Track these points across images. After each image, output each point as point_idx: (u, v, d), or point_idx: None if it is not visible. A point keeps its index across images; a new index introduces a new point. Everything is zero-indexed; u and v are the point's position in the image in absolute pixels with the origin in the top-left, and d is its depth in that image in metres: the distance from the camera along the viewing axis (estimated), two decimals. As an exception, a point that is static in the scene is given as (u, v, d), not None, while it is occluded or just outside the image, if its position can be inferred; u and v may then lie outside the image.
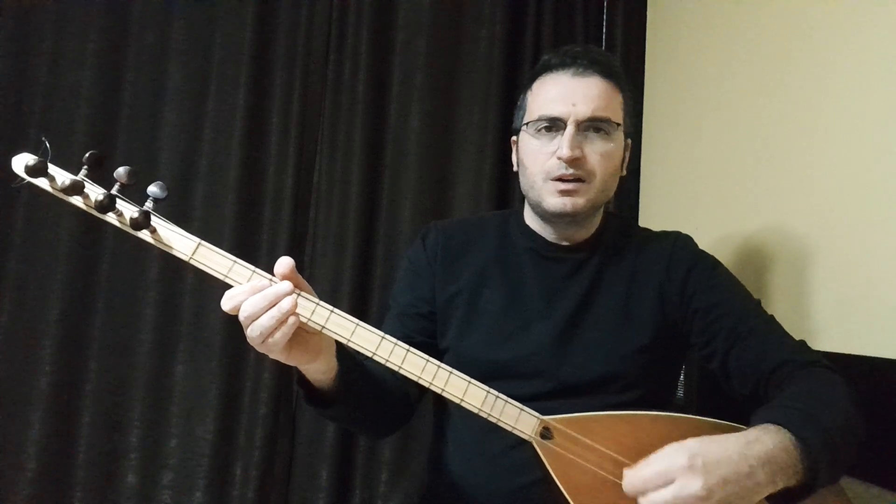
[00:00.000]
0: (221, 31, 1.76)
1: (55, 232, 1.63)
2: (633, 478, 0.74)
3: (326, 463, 1.71)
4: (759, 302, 1.03)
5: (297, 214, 1.78)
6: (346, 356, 0.87)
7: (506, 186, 1.87)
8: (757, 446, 0.73)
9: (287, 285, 0.75)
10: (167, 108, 1.72)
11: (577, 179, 1.00)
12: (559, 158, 0.99)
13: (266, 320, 0.73)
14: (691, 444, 0.73)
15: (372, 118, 1.82)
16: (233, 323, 1.72)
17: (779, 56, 1.34)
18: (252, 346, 0.77)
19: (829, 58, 1.20)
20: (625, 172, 1.10)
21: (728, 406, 1.00)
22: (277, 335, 0.73)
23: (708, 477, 0.70)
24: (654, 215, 1.79)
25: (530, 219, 1.12)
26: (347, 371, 0.86)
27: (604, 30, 1.98)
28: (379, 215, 1.82)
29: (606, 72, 1.03)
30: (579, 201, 1.00)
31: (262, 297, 0.73)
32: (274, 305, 0.73)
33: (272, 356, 0.77)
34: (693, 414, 0.89)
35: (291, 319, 0.74)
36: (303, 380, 0.86)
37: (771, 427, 0.76)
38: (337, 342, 0.83)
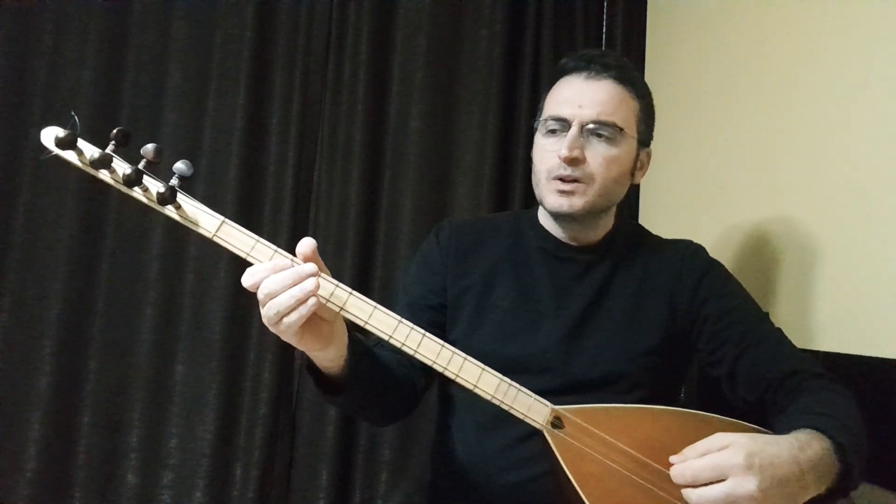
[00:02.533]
0: (221, 31, 1.76)
1: (55, 232, 1.63)
2: (683, 468, 0.75)
3: (326, 463, 1.70)
4: (767, 314, 1.05)
5: (297, 214, 1.78)
6: (357, 345, 0.88)
7: (506, 186, 1.87)
8: (808, 451, 0.75)
9: (311, 267, 0.75)
10: (167, 108, 1.72)
11: (576, 181, 1.01)
12: (559, 158, 1.00)
13: (286, 299, 0.73)
14: (746, 441, 0.73)
15: (372, 118, 1.82)
16: (233, 323, 1.73)
17: (779, 56, 1.34)
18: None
19: (831, 57, 1.20)
20: (638, 181, 1.11)
21: (727, 408, 1.00)
22: (294, 316, 0.73)
23: (762, 478, 0.71)
24: (655, 216, 1.79)
25: (544, 218, 1.14)
26: (357, 360, 0.87)
27: (604, 30, 1.98)
28: (379, 215, 1.82)
29: (620, 77, 1.04)
30: (576, 202, 1.02)
31: (285, 276, 0.73)
32: (296, 285, 0.73)
33: (284, 338, 0.77)
34: (693, 415, 0.90)
35: (311, 300, 0.74)
36: (312, 367, 0.87)
37: (815, 433, 0.78)
38: (349, 331, 0.84)
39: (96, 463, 1.63)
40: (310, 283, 0.74)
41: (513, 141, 1.88)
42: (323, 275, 0.78)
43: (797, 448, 0.75)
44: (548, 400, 0.87)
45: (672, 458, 0.78)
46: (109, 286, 1.67)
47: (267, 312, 0.74)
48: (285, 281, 0.73)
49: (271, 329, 0.76)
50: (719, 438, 0.75)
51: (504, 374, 0.87)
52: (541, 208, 1.14)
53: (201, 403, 1.68)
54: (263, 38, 1.78)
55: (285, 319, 0.73)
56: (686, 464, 0.75)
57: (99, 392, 1.64)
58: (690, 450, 0.76)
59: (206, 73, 1.75)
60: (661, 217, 1.76)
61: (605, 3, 1.98)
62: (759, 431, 0.88)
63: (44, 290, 1.62)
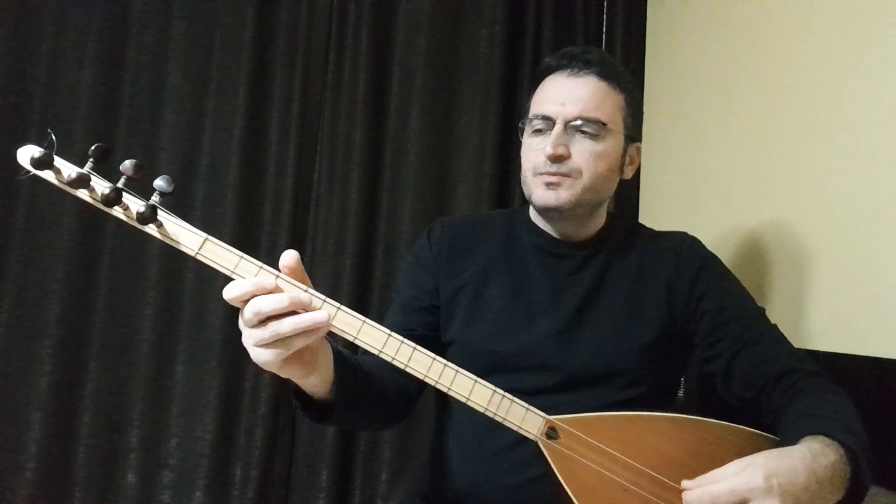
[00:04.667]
0: (221, 31, 1.76)
1: (55, 232, 1.63)
2: (701, 494, 0.73)
3: (326, 463, 1.71)
4: (763, 310, 1.05)
5: (297, 214, 1.78)
6: (342, 364, 0.85)
7: (506, 186, 1.87)
8: (822, 460, 0.74)
9: (308, 297, 0.72)
10: (167, 108, 1.73)
11: (562, 175, 1.01)
12: (544, 155, 1.00)
13: (290, 326, 0.70)
14: (763, 461, 0.72)
15: (372, 118, 1.82)
16: (233, 323, 1.72)
17: (780, 56, 1.34)
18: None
19: (831, 57, 1.20)
20: (628, 176, 1.10)
21: (728, 407, 1.00)
22: (297, 341, 0.71)
23: (784, 497, 0.70)
24: (654, 215, 1.79)
25: (536, 216, 1.13)
26: (344, 380, 0.85)
27: (604, 30, 1.98)
28: (379, 215, 1.82)
29: (603, 73, 1.03)
30: (563, 195, 1.01)
31: (282, 299, 0.70)
32: (310, 331, 0.70)
33: (267, 367, 0.74)
34: (693, 415, 0.90)
35: (313, 335, 0.72)
36: (298, 392, 0.85)
37: (827, 440, 0.77)
38: (333, 349, 0.82)
39: (96, 463, 1.63)
40: (323, 315, 0.71)
41: (513, 141, 1.87)
42: (309, 290, 0.75)
43: (811, 459, 0.74)
44: (545, 397, 0.86)
45: (685, 483, 0.76)
46: (109, 286, 1.67)
47: (261, 334, 0.70)
48: (281, 304, 0.70)
49: (253, 354, 0.72)
50: (734, 466, 0.74)
51: (500, 372, 0.86)
52: (532, 207, 1.14)
53: (201, 403, 1.68)
54: (263, 38, 1.78)
55: (283, 344, 0.71)
56: (704, 489, 0.73)
57: (99, 392, 1.65)
58: (705, 479, 0.75)
59: (206, 73, 1.75)
60: (660, 217, 1.75)
61: (605, 3, 1.98)
62: (759, 436, 0.88)
63: (44, 290, 1.62)
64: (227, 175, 1.73)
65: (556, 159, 1.00)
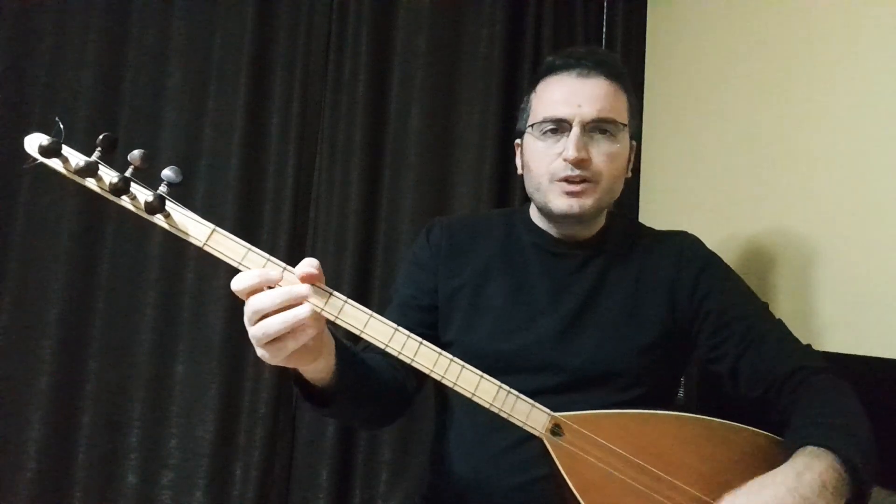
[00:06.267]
0: (221, 31, 1.76)
1: (55, 232, 1.63)
2: None
3: (326, 463, 1.70)
4: (767, 305, 1.04)
5: (297, 214, 1.78)
6: (344, 353, 0.86)
7: (506, 186, 1.87)
8: (808, 475, 0.74)
9: (305, 288, 0.71)
10: (167, 108, 1.72)
11: (584, 180, 1.00)
12: (565, 160, 0.99)
13: (277, 324, 0.69)
14: (742, 501, 0.73)
15: (372, 118, 1.82)
16: (233, 323, 1.73)
17: (780, 56, 1.34)
18: (252, 346, 0.74)
19: (832, 58, 1.20)
20: (630, 174, 1.10)
21: (727, 407, 1.00)
22: (290, 342, 0.70)
23: None
24: (655, 216, 1.79)
25: (536, 217, 1.12)
26: (345, 370, 0.85)
27: (604, 30, 1.98)
28: (379, 215, 1.82)
29: (611, 73, 1.03)
30: (586, 202, 1.00)
31: (275, 296, 0.69)
32: (289, 309, 0.69)
33: (272, 362, 0.73)
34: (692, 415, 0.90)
35: (311, 331, 0.70)
36: (299, 379, 0.85)
37: (816, 450, 0.77)
38: (335, 338, 0.82)
39: (96, 463, 1.63)
40: (304, 310, 0.69)
41: (513, 141, 1.87)
42: (317, 283, 0.74)
43: (794, 478, 0.73)
44: (546, 398, 0.86)
45: None
46: (109, 286, 1.67)
47: (255, 333, 0.70)
48: (275, 301, 0.69)
49: (258, 353, 0.72)
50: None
51: (501, 373, 0.86)
52: (532, 207, 1.13)
53: (201, 403, 1.68)
54: (263, 38, 1.78)
55: (278, 344, 0.70)
56: None
57: (99, 392, 1.64)
58: None
59: (206, 73, 1.75)
60: (661, 218, 1.75)
61: (605, 3, 1.98)
62: (763, 436, 0.88)
63: (44, 290, 1.62)
64: (227, 175, 1.73)
65: (579, 163, 0.98)
